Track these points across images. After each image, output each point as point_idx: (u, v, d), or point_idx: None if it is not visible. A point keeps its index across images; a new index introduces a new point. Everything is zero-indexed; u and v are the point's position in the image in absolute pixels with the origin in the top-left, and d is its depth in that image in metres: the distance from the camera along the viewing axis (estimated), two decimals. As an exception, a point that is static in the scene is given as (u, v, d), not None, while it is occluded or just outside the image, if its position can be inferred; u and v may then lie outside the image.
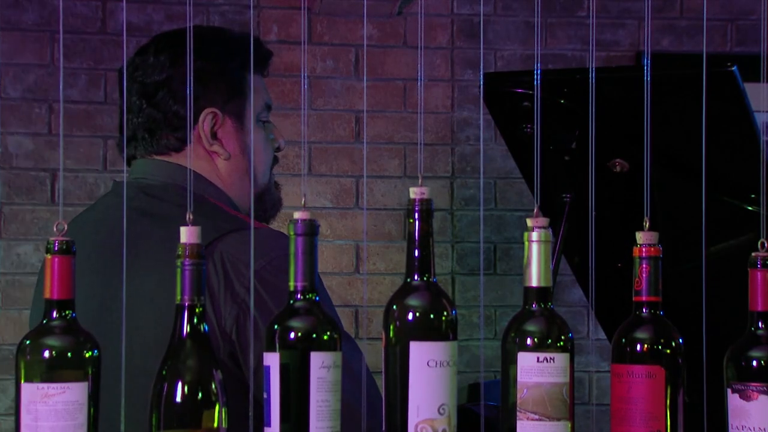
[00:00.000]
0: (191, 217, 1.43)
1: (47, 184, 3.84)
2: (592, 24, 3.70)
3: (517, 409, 1.45)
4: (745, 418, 1.55)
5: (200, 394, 1.38)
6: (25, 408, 1.37)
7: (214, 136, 2.08)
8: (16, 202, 3.83)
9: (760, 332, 1.58)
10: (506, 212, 4.06)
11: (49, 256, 1.41)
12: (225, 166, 2.10)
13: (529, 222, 1.49)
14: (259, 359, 1.43)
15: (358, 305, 3.96)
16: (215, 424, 1.38)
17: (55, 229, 1.42)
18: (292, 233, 1.44)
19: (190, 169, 2.01)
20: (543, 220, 1.49)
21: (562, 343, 1.46)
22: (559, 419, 1.45)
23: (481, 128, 4.06)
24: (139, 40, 3.62)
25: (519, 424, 1.45)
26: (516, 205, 4.04)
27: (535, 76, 1.72)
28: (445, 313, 1.44)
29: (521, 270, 1.51)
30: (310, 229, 1.44)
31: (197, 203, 1.80)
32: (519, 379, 1.45)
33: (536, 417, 1.44)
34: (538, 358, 1.45)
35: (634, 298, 1.55)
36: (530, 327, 1.47)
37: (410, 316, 1.43)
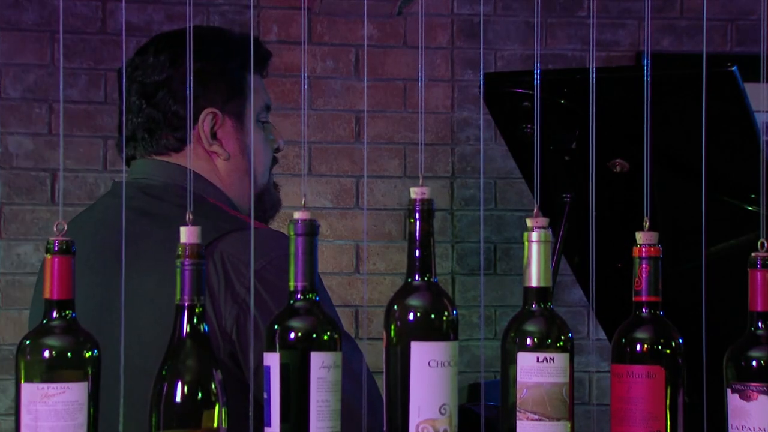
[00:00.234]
0: (191, 217, 1.43)
1: (47, 184, 3.84)
2: (592, 24, 3.70)
3: (517, 409, 1.45)
4: (745, 418, 1.55)
5: (200, 394, 1.38)
6: (25, 408, 1.37)
7: (213, 136, 2.08)
8: (16, 202, 3.83)
9: (759, 332, 1.58)
10: (506, 212, 4.06)
11: (49, 256, 1.41)
12: (225, 166, 2.10)
13: (529, 222, 1.49)
14: (260, 359, 1.43)
15: (358, 305, 3.96)
16: (215, 424, 1.38)
17: (55, 229, 1.42)
18: (292, 233, 1.44)
19: (189, 169, 2.01)
20: (543, 220, 1.49)
21: (561, 343, 1.46)
22: (558, 419, 1.45)
23: (481, 128, 4.06)
24: (139, 40, 3.62)
25: (519, 424, 1.45)
26: (516, 205, 4.04)
27: (535, 76, 1.72)
28: (446, 313, 1.44)
29: (521, 270, 1.51)
30: (310, 229, 1.44)
31: (197, 203, 1.80)
32: (519, 379, 1.46)
33: (536, 417, 1.44)
34: (537, 358, 1.45)
35: (633, 298, 1.55)
36: (530, 327, 1.47)
37: (411, 316, 1.43)
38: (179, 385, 1.37)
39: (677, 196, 2.64)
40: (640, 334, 1.54)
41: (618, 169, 2.69)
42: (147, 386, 1.39)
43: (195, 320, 1.40)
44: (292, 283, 1.43)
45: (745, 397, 1.55)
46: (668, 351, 1.53)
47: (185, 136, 2.06)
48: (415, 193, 1.46)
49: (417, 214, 1.46)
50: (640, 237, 1.54)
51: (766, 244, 1.57)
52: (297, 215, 1.44)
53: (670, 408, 1.52)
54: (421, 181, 1.47)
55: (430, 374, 1.41)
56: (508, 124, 2.88)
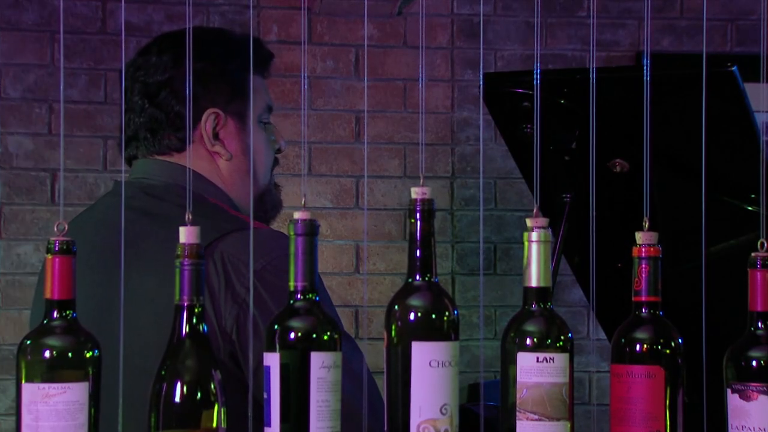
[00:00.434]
0: (190, 217, 1.43)
1: (47, 184, 3.84)
2: (593, 24, 3.70)
3: (517, 409, 1.45)
4: (745, 418, 1.55)
5: (199, 394, 1.38)
6: (26, 408, 1.37)
7: (216, 136, 2.09)
8: (16, 202, 3.83)
9: (759, 332, 1.58)
10: (506, 212, 4.06)
11: (49, 256, 1.41)
12: (226, 166, 2.10)
13: (529, 222, 1.49)
14: (260, 359, 1.43)
15: (358, 305, 3.96)
16: (214, 424, 1.38)
17: (55, 229, 1.42)
18: (292, 233, 1.44)
19: (189, 169, 2.01)
20: (543, 220, 1.49)
21: (561, 343, 1.46)
22: (558, 419, 1.45)
23: (481, 128, 4.06)
24: (139, 40, 3.63)
25: (518, 424, 1.45)
26: (516, 205, 4.05)
27: (535, 76, 1.72)
28: (446, 313, 1.44)
29: (521, 270, 1.51)
30: (310, 229, 1.44)
31: (198, 203, 1.80)
32: (518, 379, 1.46)
33: (536, 417, 1.44)
34: (537, 358, 1.45)
35: (633, 298, 1.55)
36: (530, 327, 1.47)
37: (412, 316, 1.43)
38: (178, 385, 1.37)
39: (677, 196, 2.64)
40: (640, 334, 1.54)
41: (618, 169, 2.69)
42: (147, 386, 1.39)
43: (194, 320, 1.40)
44: (292, 283, 1.43)
45: (745, 397, 1.55)
46: (668, 351, 1.53)
47: (190, 136, 2.07)
48: (415, 193, 1.46)
49: (418, 214, 1.46)
50: (640, 237, 1.54)
51: (766, 244, 1.57)
52: (297, 215, 1.44)
53: (670, 408, 1.52)
54: (421, 181, 1.47)
55: (431, 374, 1.41)
56: (508, 124, 2.88)
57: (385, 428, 1.44)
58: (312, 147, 3.97)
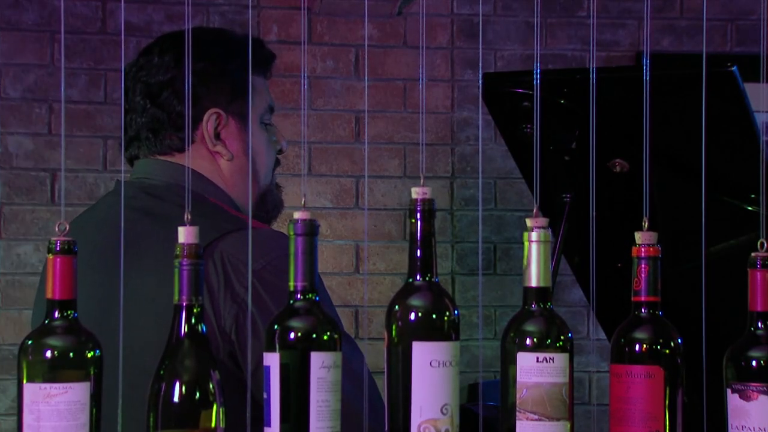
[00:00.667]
0: (189, 217, 1.43)
1: (47, 184, 3.84)
2: (593, 24, 3.70)
3: (517, 409, 1.45)
4: (745, 418, 1.55)
5: (198, 394, 1.38)
6: (28, 408, 1.37)
7: (217, 136, 2.09)
8: (16, 202, 3.83)
9: (759, 332, 1.58)
10: (506, 212, 4.06)
11: (50, 256, 1.41)
12: (228, 166, 2.10)
13: (529, 222, 1.49)
14: (259, 359, 1.43)
15: (358, 305, 3.96)
16: (213, 424, 1.38)
17: (56, 229, 1.42)
18: (292, 233, 1.44)
19: (188, 169, 2.01)
20: (543, 220, 1.49)
21: (561, 343, 1.46)
22: (558, 419, 1.45)
23: (480, 128, 4.07)
24: (139, 40, 3.64)
25: (518, 424, 1.45)
26: (516, 205, 4.05)
27: (535, 76, 1.72)
28: (447, 313, 1.44)
29: (521, 270, 1.51)
30: (310, 229, 1.44)
31: (198, 203, 1.81)
32: (518, 379, 1.46)
33: (536, 417, 1.44)
34: (537, 358, 1.45)
35: (633, 298, 1.55)
36: (530, 327, 1.47)
37: (413, 316, 1.43)
38: (177, 385, 1.37)
39: (677, 196, 2.65)
40: (639, 334, 1.54)
41: (618, 169, 2.69)
42: (148, 386, 1.39)
43: (193, 320, 1.40)
44: (291, 283, 1.43)
45: (745, 397, 1.55)
46: (667, 351, 1.53)
47: (189, 136, 2.07)
48: (416, 193, 1.46)
49: (418, 214, 1.46)
50: (640, 237, 1.54)
51: (766, 244, 1.57)
52: (297, 215, 1.44)
53: (669, 408, 1.52)
54: (422, 181, 1.47)
55: (431, 374, 1.41)
56: (508, 124, 2.88)
57: (386, 428, 1.44)
58: (312, 147, 3.97)
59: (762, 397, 1.54)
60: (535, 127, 1.71)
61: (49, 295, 1.42)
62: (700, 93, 1.73)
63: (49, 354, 1.40)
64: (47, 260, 1.42)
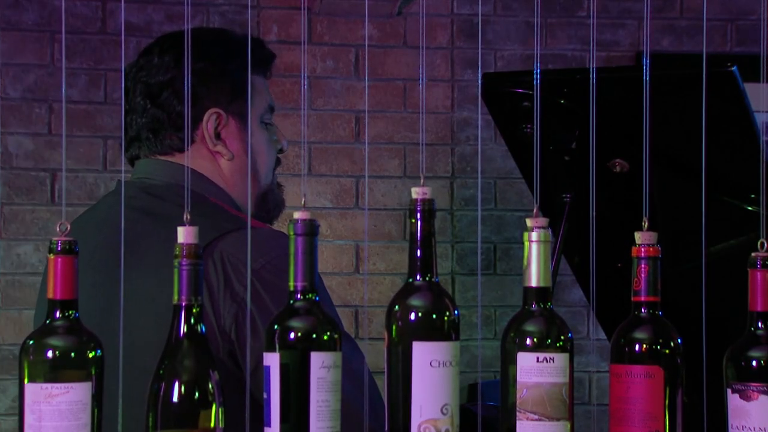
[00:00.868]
0: (188, 216, 1.43)
1: (47, 184, 3.84)
2: (593, 24, 3.70)
3: (517, 409, 1.45)
4: (745, 418, 1.55)
5: (197, 394, 1.38)
6: (29, 408, 1.37)
7: (217, 136, 2.09)
8: (16, 202, 3.83)
9: (759, 332, 1.58)
10: (506, 212, 4.06)
11: (52, 256, 1.41)
12: (228, 166, 2.11)
13: (529, 222, 1.49)
14: (259, 359, 1.43)
15: (358, 305, 3.96)
16: (212, 424, 1.38)
17: (57, 229, 1.42)
18: (291, 233, 1.44)
19: (188, 169, 2.01)
20: (543, 220, 1.49)
21: (561, 343, 1.46)
22: (558, 419, 1.45)
23: (479, 128, 4.07)
24: (139, 40, 3.64)
25: (519, 424, 1.45)
26: (516, 205, 4.05)
27: (535, 76, 1.72)
28: (447, 313, 1.44)
29: (521, 270, 1.51)
30: (310, 229, 1.44)
31: (199, 203, 1.81)
32: (518, 379, 1.46)
33: (536, 417, 1.44)
34: (537, 358, 1.45)
35: (632, 298, 1.55)
36: (530, 327, 1.47)
37: (413, 316, 1.43)
38: (176, 385, 1.37)
39: (677, 196, 2.65)
40: (639, 334, 1.54)
41: (618, 169, 2.69)
42: (149, 386, 1.39)
43: (192, 320, 1.40)
44: (291, 283, 1.44)
45: (745, 397, 1.55)
46: (667, 351, 1.53)
47: (190, 136, 2.07)
48: (416, 193, 1.46)
49: (418, 214, 1.46)
50: (639, 237, 1.54)
51: (766, 244, 1.57)
52: (297, 215, 1.44)
53: (669, 408, 1.52)
54: (422, 181, 1.47)
55: (431, 374, 1.41)
56: (508, 124, 2.88)
57: (386, 428, 1.44)
58: (312, 147, 3.97)
59: (762, 397, 1.55)
60: (535, 127, 1.71)
61: (50, 295, 1.42)
62: (700, 93, 1.73)
63: (50, 354, 1.40)
64: (48, 260, 1.42)
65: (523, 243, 1.50)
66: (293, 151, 3.81)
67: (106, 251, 1.95)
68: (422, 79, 4.02)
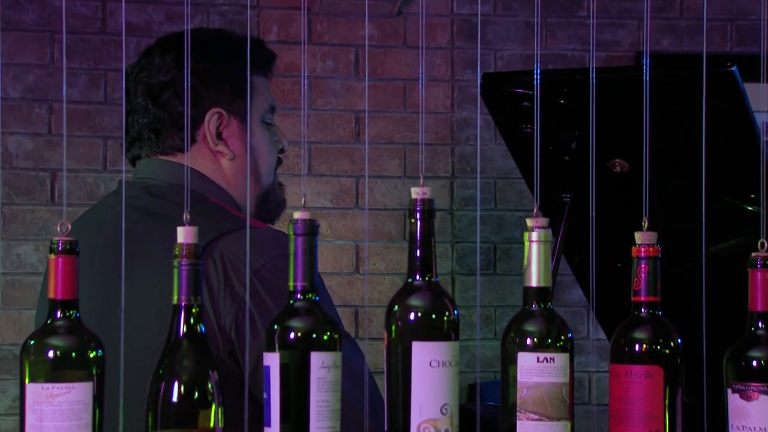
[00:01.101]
0: (188, 216, 1.43)
1: (47, 184, 3.84)
2: (592, 24, 3.70)
3: (517, 409, 1.45)
4: (746, 418, 1.55)
5: (196, 394, 1.38)
6: (30, 408, 1.37)
7: (219, 136, 2.09)
8: (16, 202, 3.83)
9: (760, 332, 1.58)
10: (506, 212, 4.06)
11: (52, 256, 1.41)
12: (229, 166, 2.11)
13: (529, 222, 1.49)
14: (259, 358, 1.43)
15: (358, 305, 3.96)
16: (211, 424, 1.38)
17: (58, 229, 1.42)
18: (291, 233, 1.44)
19: (187, 168, 2.01)
20: (543, 220, 1.49)
21: (561, 343, 1.47)
22: (559, 419, 1.45)
23: (478, 128, 4.07)
24: (139, 40, 3.64)
25: (519, 424, 1.45)
26: (516, 205, 4.05)
27: (535, 76, 1.72)
28: (446, 313, 1.44)
29: (521, 270, 1.51)
30: (310, 229, 1.44)
31: (199, 203, 1.81)
32: (519, 379, 1.46)
33: (536, 417, 1.44)
34: (537, 358, 1.45)
35: (632, 298, 1.55)
36: (530, 327, 1.48)
37: (412, 316, 1.43)
38: (176, 384, 1.37)
39: (677, 196, 2.65)
40: (639, 334, 1.54)
41: (618, 169, 2.69)
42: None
43: (192, 320, 1.40)
44: (291, 283, 1.44)
45: (745, 397, 1.55)
46: (667, 351, 1.53)
47: (191, 136, 2.07)
48: (415, 193, 1.46)
49: (418, 214, 1.46)
50: (639, 237, 1.54)
51: (766, 244, 1.58)
52: (297, 215, 1.44)
53: (669, 408, 1.52)
54: (421, 181, 1.47)
55: (431, 374, 1.41)
56: (508, 124, 2.88)
57: (386, 428, 1.44)
58: (312, 147, 3.97)
59: (762, 397, 1.55)
60: (535, 127, 1.71)
61: (51, 295, 1.42)
62: (700, 93, 1.73)
63: (51, 354, 1.40)
64: (49, 260, 1.42)
65: (523, 243, 1.50)
66: (293, 151, 3.81)
67: (107, 251, 1.95)
68: (422, 79, 4.02)
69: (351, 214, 3.99)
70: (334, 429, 1.41)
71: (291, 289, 1.44)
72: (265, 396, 1.41)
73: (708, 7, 4.15)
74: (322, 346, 1.41)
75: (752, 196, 2.59)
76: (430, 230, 1.46)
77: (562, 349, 1.46)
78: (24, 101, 3.82)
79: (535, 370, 1.45)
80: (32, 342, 1.40)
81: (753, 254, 1.58)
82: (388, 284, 3.94)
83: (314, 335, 1.41)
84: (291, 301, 1.43)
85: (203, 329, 1.41)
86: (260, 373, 1.44)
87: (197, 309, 1.40)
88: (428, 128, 4.02)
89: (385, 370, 1.44)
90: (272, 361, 1.40)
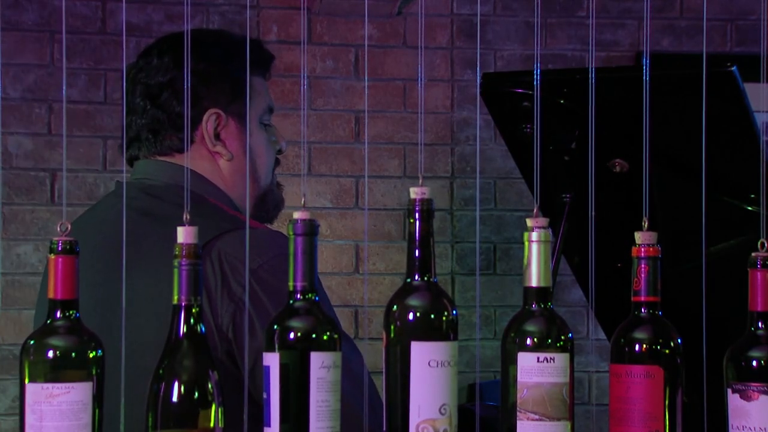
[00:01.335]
0: (188, 217, 1.43)
1: (47, 184, 3.84)
2: (592, 24, 3.70)
3: (517, 409, 1.45)
4: (746, 419, 1.55)
5: (196, 394, 1.38)
6: (30, 408, 1.37)
7: (217, 136, 2.09)
8: (16, 202, 3.83)
9: (760, 332, 1.58)
10: (506, 212, 4.06)
11: (52, 256, 1.41)
12: (227, 166, 2.11)
13: (529, 222, 1.49)
14: (257, 358, 1.43)
15: (358, 305, 3.96)
16: (211, 424, 1.38)
17: (58, 228, 1.42)
18: (291, 233, 1.44)
19: (187, 169, 2.02)
20: (543, 220, 1.49)
21: (561, 343, 1.46)
22: (559, 419, 1.45)
23: (478, 128, 4.07)
24: (138, 40, 3.64)
25: (519, 424, 1.45)
26: (516, 205, 4.05)
27: (535, 76, 1.72)
28: (445, 313, 1.44)
29: (521, 270, 1.51)
30: (310, 229, 1.44)
31: (197, 204, 1.81)
32: (519, 379, 1.46)
33: (536, 417, 1.44)
34: (538, 358, 1.45)
35: (632, 298, 1.55)
36: (530, 327, 1.47)
37: (411, 316, 1.43)
38: (176, 384, 1.37)
39: (677, 196, 2.65)
40: (639, 334, 1.54)
41: (618, 169, 2.69)
42: (148, 386, 1.39)
43: (192, 320, 1.40)
44: (291, 283, 1.44)
45: (745, 397, 1.55)
46: (667, 351, 1.53)
47: (190, 137, 2.08)
48: (414, 193, 1.46)
49: (417, 214, 1.46)
50: (639, 237, 1.54)
51: (766, 244, 1.57)
52: (296, 215, 1.44)
53: (669, 408, 1.52)
54: (420, 181, 1.47)
55: (430, 374, 1.41)
56: (508, 124, 2.88)
57: (384, 428, 1.44)
58: (312, 147, 3.97)
59: (762, 397, 1.54)
60: (535, 127, 1.71)
61: (51, 295, 1.42)
62: (700, 93, 1.73)
63: (51, 354, 1.40)
64: (49, 260, 1.42)
65: (523, 243, 1.50)
66: (293, 151, 3.81)
67: (106, 252, 1.95)
68: (421, 79, 4.02)
69: (351, 214, 3.99)
70: (334, 429, 1.41)
71: (291, 289, 1.44)
72: (265, 396, 1.41)
73: (708, 7, 4.15)
74: (322, 346, 1.41)
75: (752, 196, 2.59)
76: (429, 230, 1.46)
77: (562, 349, 1.46)
78: (24, 101, 3.82)
79: (535, 370, 1.45)
80: (32, 342, 1.40)
81: (753, 254, 1.58)
82: (387, 284, 3.94)
83: (314, 335, 1.41)
84: (291, 301, 1.43)
85: (203, 329, 1.41)
86: (258, 372, 1.44)
87: (197, 309, 1.40)
88: (428, 128, 4.02)
89: (383, 370, 1.44)
90: (272, 361, 1.40)
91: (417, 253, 1.45)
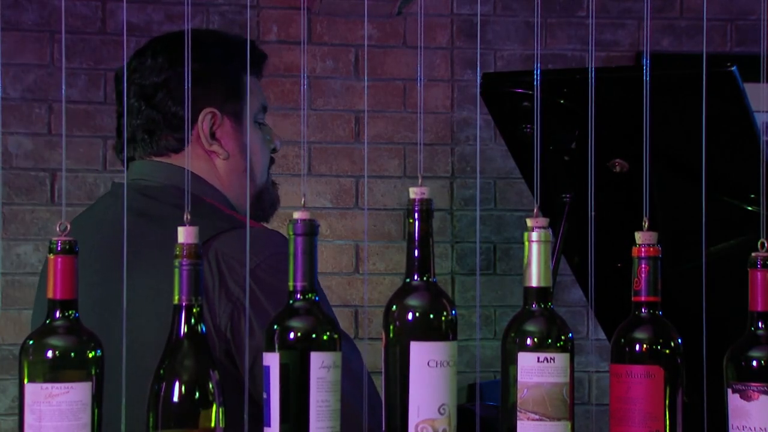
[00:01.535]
0: (188, 217, 1.43)
1: (47, 184, 3.84)
2: (592, 24, 3.70)
3: (518, 409, 1.45)
4: (746, 418, 1.55)
5: (197, 394, 1.38)
6: (29, 408, 1.37)
7: (212, 136, 2.10)
8: (16, 202, 3.83)
9: (760, 332, 1.58)
10: (506, 212, 4.06)
11: (51, 256, 1.41)
12: (224, 165, 2.11)
13: (529, 222, 1.49)
14: (255, 357, 1.43)
15: (358, 305, 3.96)
16: (212, 424, 1.38)
17: (57, 229, 1.42)
18: (291, 233, 1.44)
19: (187, 169, 2.02)
20: (543, 220, 1.49)
21: (562, 343, 1.46)
22: (559, 419, 1.45)
23: (478, 128, 4.07)
24: (138, 40, 3.63)
25: (519, 424, 1.45)
26: (516, 205, 4.05)
27: (535, 76, 1.72)
28: (445, 313, 1.44)
29: (521, 270, 1.51)
30: (310, 229, 1.44)
31: (194, 204, 1.80)
32: (519, 379, 1.46)
33: (536, 417, 1.44)
34: (538, 358, 1.45)
35: (633, 298, 1.55)
36: (530, 327, 1.47)
37: (410, 316, 1.43)
38: (176, 385, 1.37)
39: (677, 196, 2.65)
40: (639, 334, 1.54)
41: (618, 169, 2.69)
42: (147, 386, 1.39)
43: (192, 320, 1.40)
44: (291, 283, 1.43)
45: (745, 397, 1.55)
46: (667, 351, 1.53)
47: (185, 137, 2.08)
48: (414, 193, 1.46)
49: (416, 214, 1.46)
50: (640, 237, 1.54)
51: (766, 244, 1.57)
52: (296, 215, 1.44)
53: (669, 408, 1.52)
54: (420, 181, 1.47)
55: (429, 374, 1.41)
56: (508, 124, 2.88)
57: (383, 428, 1.44)
58: (312, 147, 3.97)
59: (762, 397, 1.54)
60: (535, 127, 1.71)
61: (50, 295, 1.42)
62: (700, 93, 1.73)
63: (50, 354, 1.40)
64: (48, 260, 1.42)
65: (523, 243, 1.50)
66: (293, 151, 3.81)
67: (103, 252, 1.95)
68: (420, 79, 4.02)
69: (351, 214, 3.99)
70: (334, 429, 1.41)
71: (291, 289, 1.44)
72: (265, 396, 1.41)
73: (708, 7, 4.15)
74: (322, 346, 1.41)
75: (752, 196, 2.59)
76: (429, 230, 1.46)
77: (563, 349, 1.46)
78: (24, 101, 3.82)
79: (536, 370, 1.45)
80: (31, 342, 1.40)
81: (753, 254, 1.58)
82: (387, 284, 3.94)
83: (314, 335, 1.41)
84: (291, 301, 1.43)
85: (204, 329, 1.41)
86: (258, 371, 1.44)
87: (198, 309, 1.40)
88: (428, 128, 4.02)
89: (383, 370, 1.44)
90: (272, 361, 1.40)
91: (416, 253, 1.45)
